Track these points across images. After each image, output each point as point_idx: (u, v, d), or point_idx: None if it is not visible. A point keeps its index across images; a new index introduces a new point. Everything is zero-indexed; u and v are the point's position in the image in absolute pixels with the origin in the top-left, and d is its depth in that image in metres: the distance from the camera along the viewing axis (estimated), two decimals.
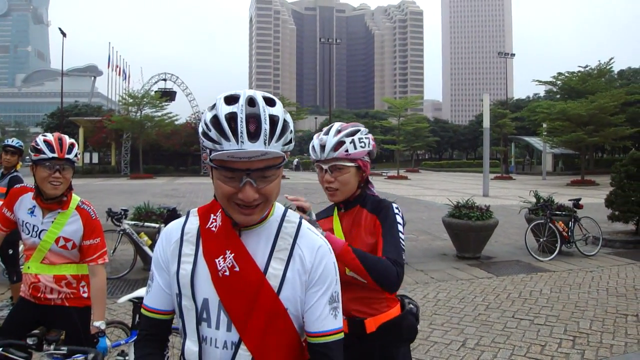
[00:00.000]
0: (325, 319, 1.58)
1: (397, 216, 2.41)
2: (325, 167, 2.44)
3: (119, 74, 65.95)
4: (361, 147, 2.43)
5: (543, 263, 9.78)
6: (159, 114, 50.71)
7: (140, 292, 3.51)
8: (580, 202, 11.07)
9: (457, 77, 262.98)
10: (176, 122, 52.75)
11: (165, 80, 53.90)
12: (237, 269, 1.55)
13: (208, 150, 1.45)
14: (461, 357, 5.09)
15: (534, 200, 11.51)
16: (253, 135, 1.39)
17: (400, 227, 2.38)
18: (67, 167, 3.14)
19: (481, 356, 5.11)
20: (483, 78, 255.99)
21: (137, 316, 3.54)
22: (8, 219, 3.34)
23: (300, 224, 1.64)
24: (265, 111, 1.42)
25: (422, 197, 25.25)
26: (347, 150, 2.40)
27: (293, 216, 1.66)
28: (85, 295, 3.29)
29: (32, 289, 3.22)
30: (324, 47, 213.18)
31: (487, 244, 10.44)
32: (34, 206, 3.24)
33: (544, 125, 41.93)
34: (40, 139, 3.16)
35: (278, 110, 1.46)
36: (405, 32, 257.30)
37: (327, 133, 2.47)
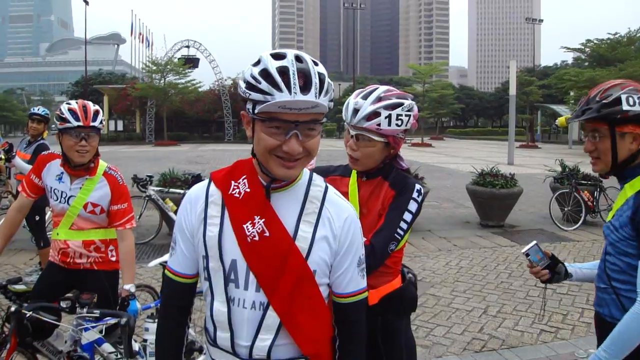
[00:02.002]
0: (355, 280, 1.65)
1: (413, 202, 2.23)
2: (352, 132, 2.26)
3: (142, 42, 66.17)
4: (397, 124, 2.19)
5: (567, 232, 9.74)
6: (183, 81, 50.70)
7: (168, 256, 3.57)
8: None
9: (484, 43, 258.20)
10: (200, 89, 52.76)
11: (188, 47, 53.83)
12: (267, 234, 1.57)
13: (252, 105, 1.48)
14: (482, 324, 5.13)
15: (559, 169, 11.39)
16: (304, 88, 1.44)
17: (408, 215, 2.21)
18: (92, 134, 3.16)
19: (502, 323, 5.15)
20: (510, 44, 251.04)
21: None
22: (36, 186, 3.38)
23: (326, 187, 1.67)
24: (313, 67, 1.48)
25: (446, 164, 25.14)
26: (379, 124, 2.18)
27: (319, 180, 1.69)
28: (114, 259, 3.35)
29: (61, 255, 3.30)
30: (348, 12, 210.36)
31: (511, 212, 10.41)
32: (62, 173, 3.29)
33: (572, 94, 41.15)
34: (64, 108, 3.17)
35: (322, 68, 1.50)
36: None
37: (366, 97, 2.24)
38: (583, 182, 10.71)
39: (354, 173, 2.39)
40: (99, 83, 64.47)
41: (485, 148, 42.24)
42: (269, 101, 1.43)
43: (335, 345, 1.69)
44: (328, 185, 1.69)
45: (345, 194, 2.26)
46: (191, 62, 52.60)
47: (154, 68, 49.47)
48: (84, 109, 3.15)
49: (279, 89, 1.42)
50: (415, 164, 13.48)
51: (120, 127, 55.64)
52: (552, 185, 11.41)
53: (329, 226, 1.60)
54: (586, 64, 49.39)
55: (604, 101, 2.02)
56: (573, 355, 4.45)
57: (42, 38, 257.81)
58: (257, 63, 1.50)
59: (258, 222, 1.58)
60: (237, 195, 1.62)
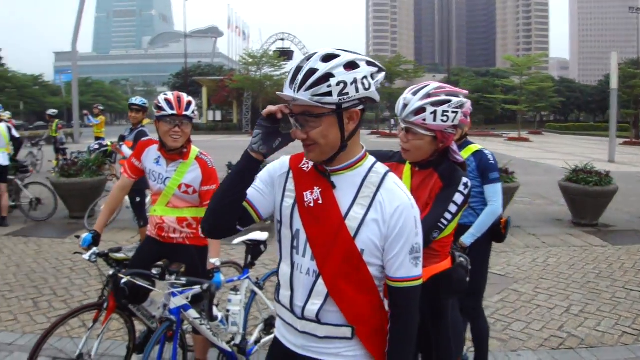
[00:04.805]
0: (406, 267, 1.74)
1: (459, 195, 2.36)
2: (403, 125, 2.43)
3: (239, 35, 67.97)
4: (442, 120, 2.33)
5: None
6: (278, 73, 51.85)
7: (253, 235, 3.87)
8: None
9: (586, 34, 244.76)
10: None
11: (283, 39, 55.05)
12: (320, 201, 1.77)
13: None
14: (563, 323, 5.10)
15: None
16: (290, 83, 1.66)
17: (452, 207, 2.34)
18: (185, 122, 3.48)
19: (584, 323, 5.09)
20: (615, 35, 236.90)
21: (249, 257, 3.91)
22: (136, 168, 3.75)
23: (385, 175, 1.78)
24: (308, 65, 1.64)
25: (543, 160, 24.31)
26: (424, 119, 2.33)
27: (381, 167, 1.81)
28: (203, 235, 3.68)
29: (157, 229, 3.67)
30: (443, 1, 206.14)
31: (607, 211, 10.00)
32: (159, 157, 3.64)
33: None
34: (161, 98, 3.51)
35: (326, 65, 1.63)
36: None
37: (415, 93, 2.39)
38: None
39: (408, 163, 2.55)
40: (198, 75, 67.10)
41: (585, 144, 40.31)
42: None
43: (388, 326, 1.83)
44: (390, 173, 1.80)
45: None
46: (286, 55, 53.64)
47: (250, 60, 50.86)
48: (178, 99, 3.48)
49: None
50: (506, 158, 13.17)
51: (218, 117, 57.61)
52: None
53: (380, 210, 1.72)
54: None
55: None
56: None
57: (144, 32, 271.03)
58: None
59: (316, 191, 1.79)
60: (305, 168, 1.86)
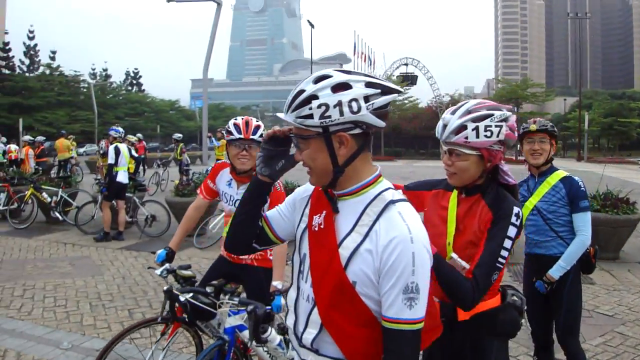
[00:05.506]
0: (397, 307, 1.54)
1: (512, 227, 2.16)
2: (445, 148, 2.28)
3: (364, 60, 69.22)
4: (486, 136, 2.16)
5: None
6: (400, 98, 52.35)
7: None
8: None
9: None
10: (418, 106, 53.82)
11: (406, 64, 55.61)
12: (322, 226, 1.71)
13: None
14: None
15: None
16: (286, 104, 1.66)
17: (507, 242, 2.15)
18: (253, 145, 3.59)
19: None
20: None
21: None
22: (211, 189, 3.94)
23: (389, 203, 1.63)
24: (298, 87, 1.63)
25: None
26: (466, 137, 2.17)
27: (390, 195, 1.66)
28: (272, 257, 3.64)
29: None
30: (575, 22, 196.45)
31: None
32: (231, 179, 3.80)
33: None
34: (231, 123, 3.66)
35: (314, 87, 1.58)
36: None
37: (454, 112, 2.25)
38: None
39: (455, 190, 2.40)
40: None
41: None
42: None
43: None
44: (399, 202, 1.64)
45: (445, 209, 2.38)
46: (409, 80, 54.11)
47: None
48: (247, 124, 3.62)
49: None
50: (629, 185, 12.43)
51: None
52: None
53: (375, 241, 1.58)
54: None
55: None
56: None
57: (275, 59, 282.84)
58: None
59: (322, 214, 1.72)
60: (319, 192, 1.81)
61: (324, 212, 1.72)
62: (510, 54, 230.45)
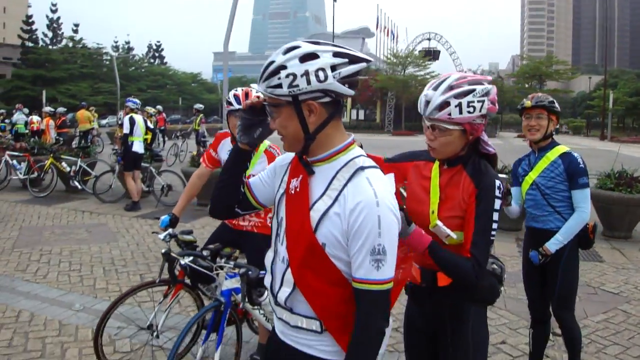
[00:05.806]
0: (365, 268, 1.61)
1: (497, 200, 2.22)
2: (428, 123, 2.28)
3: (387, 35, 68.66)
4: (468, 112, 2.18)
5: None
6: (422, 73, 51.95)
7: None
8: None
9: None
10: None
11: (429, 39, 54.90)
12: (298, 189, 1.78)
13: None
14: None
15: None
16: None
17: (495, 215, 2.21)
18: None
19: None
20: None
21: None
22: (213, 158, 4.06)
23: (358, 169, 1.69)
24: (269, 58, 1.68)
25: None
26: (450, 114, 2.19)
27: (359, 161, 1.72)
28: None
29: None
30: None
31: None
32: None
33: None
34: (231, 94, 3.74)
35: (283, 57, 1.64)
36: None
37: (436, 87, 2.24)
38: None
39: (437, 160, 2.42)
40: None
41: None
42: None
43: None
44: (366, 168, 1.69)
45: (428, 179, 2.41)
46: (431, 55, 53.52)
47: (395, 60, 51.28)
48: (247, 95, 3.70)
49: None
50: None
51: (361, 116, 58.53)
52: None
53: (343, 205, 1.64)
54: None
55: None
56: None
57: (298, 33, 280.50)
58: None
59: (298, 179, 1.79)
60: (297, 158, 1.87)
61: (301, 176, 1.78)
62: (536, 30, 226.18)
